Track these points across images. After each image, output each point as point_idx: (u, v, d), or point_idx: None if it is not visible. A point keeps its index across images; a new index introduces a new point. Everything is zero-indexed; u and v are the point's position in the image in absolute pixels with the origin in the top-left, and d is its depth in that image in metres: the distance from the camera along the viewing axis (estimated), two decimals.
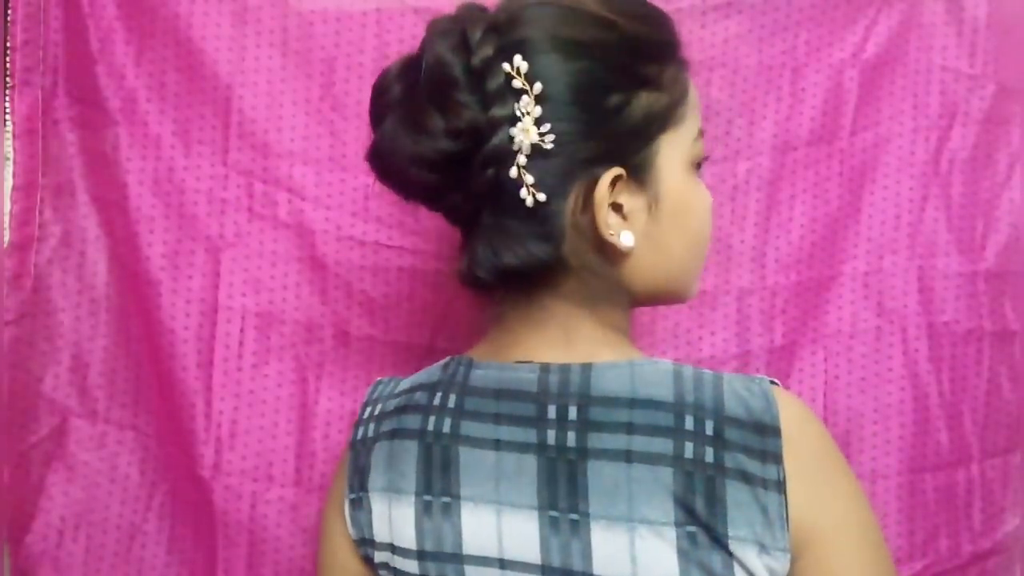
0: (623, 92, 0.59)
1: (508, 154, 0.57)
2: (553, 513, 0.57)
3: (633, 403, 0.57)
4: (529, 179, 0.57)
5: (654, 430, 0.56)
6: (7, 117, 0.88)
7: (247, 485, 0.88)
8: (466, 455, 0.60)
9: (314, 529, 0.73)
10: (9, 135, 0.88)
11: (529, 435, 0.59)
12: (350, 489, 0.65)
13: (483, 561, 0.59)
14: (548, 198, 0.58)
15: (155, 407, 0.91)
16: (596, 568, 0.55)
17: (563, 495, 0.57)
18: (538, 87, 0.57)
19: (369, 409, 0.68)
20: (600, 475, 0.56)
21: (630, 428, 0.56)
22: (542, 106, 0.57)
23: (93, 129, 0.90)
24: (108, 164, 0.89)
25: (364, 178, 0.90)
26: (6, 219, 0.88)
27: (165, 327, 0.88)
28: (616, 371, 0.59)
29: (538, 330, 0.62)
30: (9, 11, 0.87)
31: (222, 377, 0.88)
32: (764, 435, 0.55)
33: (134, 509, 0.91)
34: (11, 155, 0.88)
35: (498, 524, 0.58)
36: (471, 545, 0.59)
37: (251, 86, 0.89)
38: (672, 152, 0.61)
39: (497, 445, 0.59)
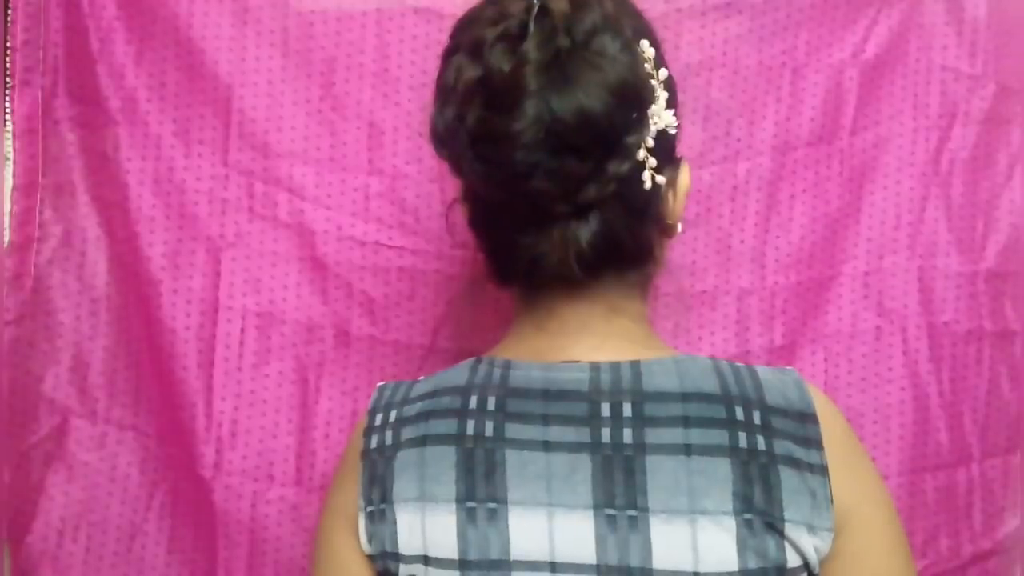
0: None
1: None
2: (610, 511, 0.56)
3: (685, 397, 0.58)
4: (652, 162, 0.58)
5: (709, 422, 0.57)
6: (7, 117, 0.88)
7: (248, 485, 0.87)
8: (513, 458, 0.58)
9: (315, 529, 0.72)
10: (9, 135, 0.88)
11: (582, 434, 0.58)
12: (367, 502, 0.61)
13: (532, 566, 0.57)
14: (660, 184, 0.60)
15: (155, 407, 0.91)
16: (656, 563, 0.55)
17: (620, 492, 0.56)
18: (664, 73, 0.59)
19: (381, 416, 0.64)
20: (659, 470, 0.56)
21: (686, 421, 0.57)
22: (668, 92, 0.59)
23: (93, 129, 0.90)
24: (108, 164, 0.89)
25: (364, 178, 0.90)
26: (6, 219, 0.88)
27: (165, 327, 0.88)
28: (663, 366, 0.60)
29: (583, 329, 0.62)
30: (9, 11, 0.87)
31: (222, 377, 0.88)
32: (804, 422, 0.58)
33: (134, 509, 0.90)
34: (11, 155, 0.88)
35: (549, 527, 0.57)
36: (520, 550, 0.57)
37: (251, 86, 0.89)
38: None
39: (547, 446, 0.58)
